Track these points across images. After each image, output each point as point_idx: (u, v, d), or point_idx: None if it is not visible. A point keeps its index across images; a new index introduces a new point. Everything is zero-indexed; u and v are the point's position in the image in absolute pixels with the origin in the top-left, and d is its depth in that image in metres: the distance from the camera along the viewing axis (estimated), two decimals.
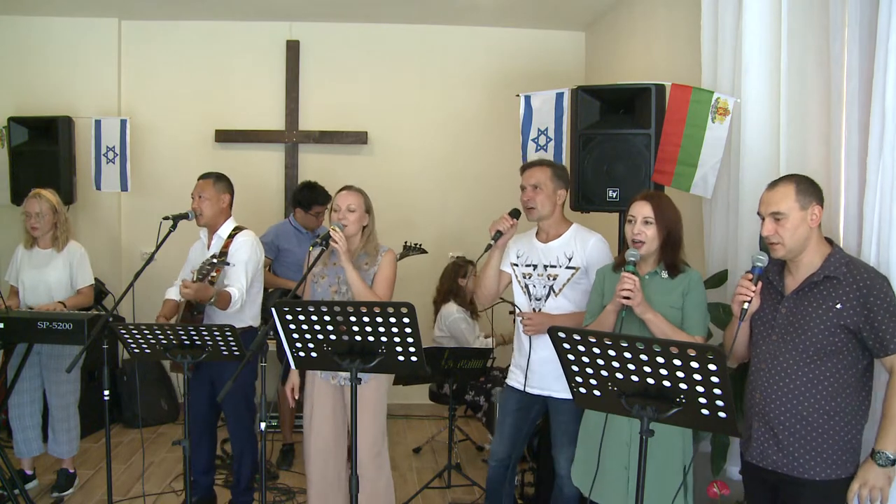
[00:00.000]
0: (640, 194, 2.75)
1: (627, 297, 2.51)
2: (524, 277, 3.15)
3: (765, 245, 2.38)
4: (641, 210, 2.64)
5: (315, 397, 3.20)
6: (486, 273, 3.17)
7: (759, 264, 2.31)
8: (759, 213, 2.35)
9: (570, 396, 2.97)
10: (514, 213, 3.10)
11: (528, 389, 3.13)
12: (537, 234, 3.19)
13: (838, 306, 2.19)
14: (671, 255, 2.66)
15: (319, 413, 3.19)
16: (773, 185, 2.33)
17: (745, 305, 2.28)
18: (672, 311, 2.62)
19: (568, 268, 3.08)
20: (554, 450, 3.16)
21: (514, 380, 3.20)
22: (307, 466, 3.24)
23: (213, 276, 3.40)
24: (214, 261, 3.33)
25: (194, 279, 3.29)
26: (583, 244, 3.08)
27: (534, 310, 3.11)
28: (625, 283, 2.52)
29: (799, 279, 2.30)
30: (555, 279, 3.08)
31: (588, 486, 2.72)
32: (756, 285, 2.30)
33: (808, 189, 2.28)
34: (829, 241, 2.33)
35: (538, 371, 3.09)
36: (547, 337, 2.98)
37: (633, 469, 2.57)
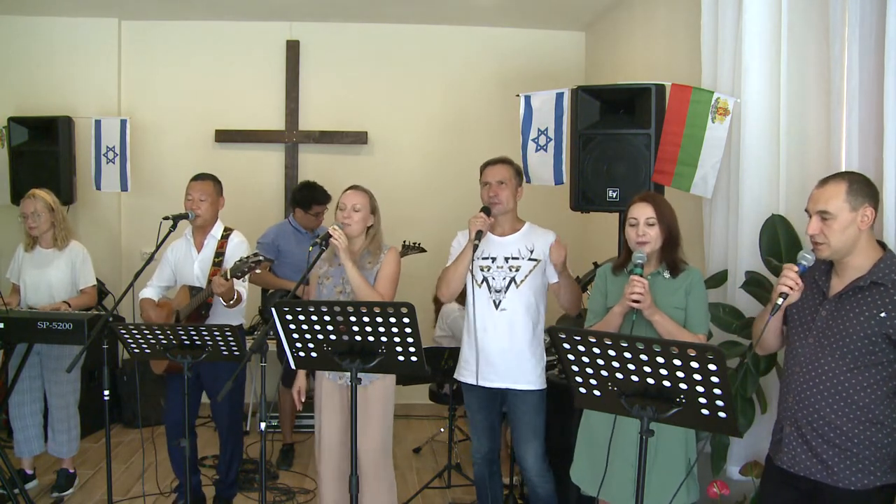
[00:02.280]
0: (637, 196, 2.74)
1: (637, 301, 2.50)
2: (482, 270, 3.17)
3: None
4: (644, 211, 2.64)
5: (323, 397, 3.20)
6: (458, 272, 3.15)
7: (805, 262, 2.18)
8: (806, 210, 2.21)
9: (527, 387, 3.08)
10: (487, 211, 3.14)
11: (482, 383, 3.15)
12: (492, 228, 3.20)
13: (882, 315, 2.08)
14: (672, 254, 2.67)
15: (327, 413, 3.18)
16: (825, 181, 2.18)
17: (779, 301, 2.17)
18: (676, 312, 2.62)
19: (530, 259, 3.13)
20: (518, 445, 3.17)
21: (470, 375, 3.19)
22: (318, 466, 3.24)
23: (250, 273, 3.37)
24: (261, 258, 3.26)
25: (229, 276, 3.26)
26: (543, 240, 3.15)
27: (494, 303, 3.12)
28: (634, 286, 2.50)
29: (845, 282, 2.18)
30: (517, 270, 3.13)
31: (590, 484, 2.73)
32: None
33: (862, 189, 2.13)
34: (882, 245, 2.20)
35: (492, 363, 3.12)
36: (498, 329, 3.09)
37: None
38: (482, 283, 3.17)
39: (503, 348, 3.11)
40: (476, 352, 3.15)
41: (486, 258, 3.17)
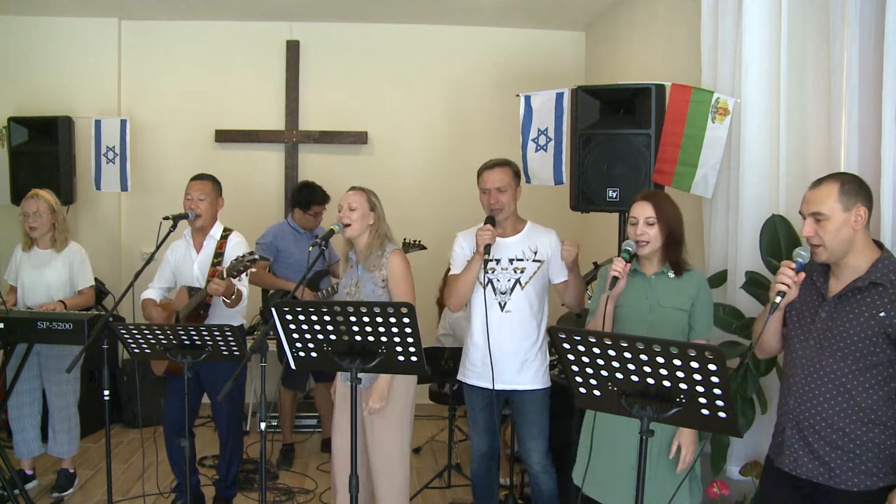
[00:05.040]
0: (640, 194, 2.73)
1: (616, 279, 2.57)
2: (487, 272, 3.14)
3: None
4: (643, 211, 2.63)
5: (339, 399, 3.20)
6: (467, 283, 3.12)
7: (800, 260, 2.16)
8: (800, 212, 2.22)
9: (532, 387, 3.09)
10: (491, 221, 3.11)
11: (487, 386, 3.12)
12: None
13: (881, 314, 2.08)
14: (674, 253, 2.67)
15: (341, 414, 3.17)
16: (817, 183, 2.18)
17: (777, 300, 2.15)
18: (680, 314, 2.64)
19: (535, 261, 3.14)
20: (523, 444, 3.18)
21: (476, 378, 3.18)
22: (332, 467, 3.21)
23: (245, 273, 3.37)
24: (255, 256, 3.27)
25: (225, 276, 3.27)
26: (545, 239, 3.17)
27: (500, 304, 3.12)
28: (615, 265, 2.54)
29: (843, 283, 2.17)
30: (522, 272, 3.13)
31: (596, 489, 2.72)
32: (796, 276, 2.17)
33: (854, 189, 2.13)
34: (879, 245, 2.20)
35: (498, 365, 3.10)
36: (503, 331, 3.09)
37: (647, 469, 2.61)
38: (487, 284, 3.15)
39: (509, 350, 3.10)
40: (481, 354, 3.13)
41: (491, 260, 3.14)
